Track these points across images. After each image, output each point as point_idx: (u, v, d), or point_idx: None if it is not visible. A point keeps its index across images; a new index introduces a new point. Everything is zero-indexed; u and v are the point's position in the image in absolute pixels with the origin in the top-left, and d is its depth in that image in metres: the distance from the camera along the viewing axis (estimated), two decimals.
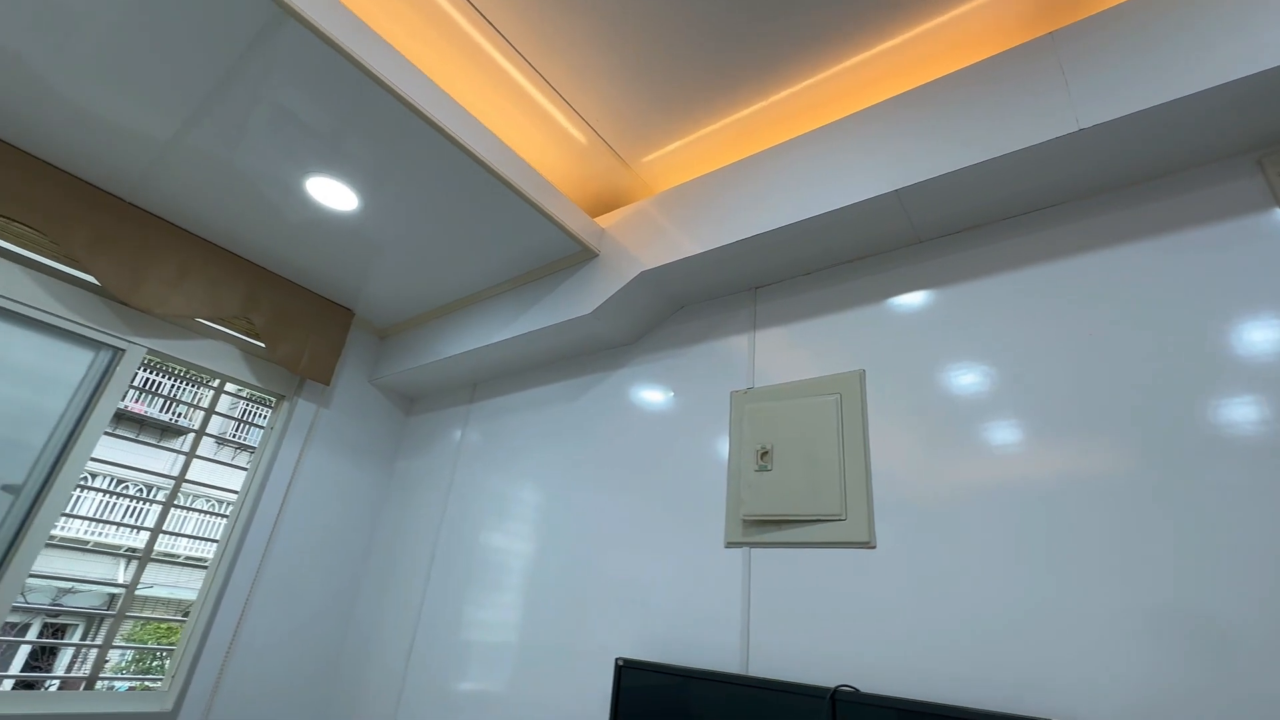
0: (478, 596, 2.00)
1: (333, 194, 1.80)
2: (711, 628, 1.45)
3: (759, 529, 1.47)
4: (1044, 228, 1.37)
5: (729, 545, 1.51)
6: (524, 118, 1.83)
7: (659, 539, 1.65)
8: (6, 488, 1.73)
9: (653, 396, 1.87)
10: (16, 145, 1.74)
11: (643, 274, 1.79)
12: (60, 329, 1.87)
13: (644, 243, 1.84)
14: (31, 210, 1.74)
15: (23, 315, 1.81)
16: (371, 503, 2.52)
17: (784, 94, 1.66)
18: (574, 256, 1.99)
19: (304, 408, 2.35)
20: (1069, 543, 1.10)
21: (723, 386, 1.72)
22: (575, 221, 1.88)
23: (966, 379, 1.33)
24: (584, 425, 2.01)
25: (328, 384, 2.39)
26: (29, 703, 1.70)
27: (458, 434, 2.44)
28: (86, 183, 1.86)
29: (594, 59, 1.62)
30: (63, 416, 1.86)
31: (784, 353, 1.64)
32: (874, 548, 1.30)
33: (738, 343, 1.75)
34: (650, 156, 1.92)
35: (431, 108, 1.50)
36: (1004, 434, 1.24)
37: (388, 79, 1.42)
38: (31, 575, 1.75)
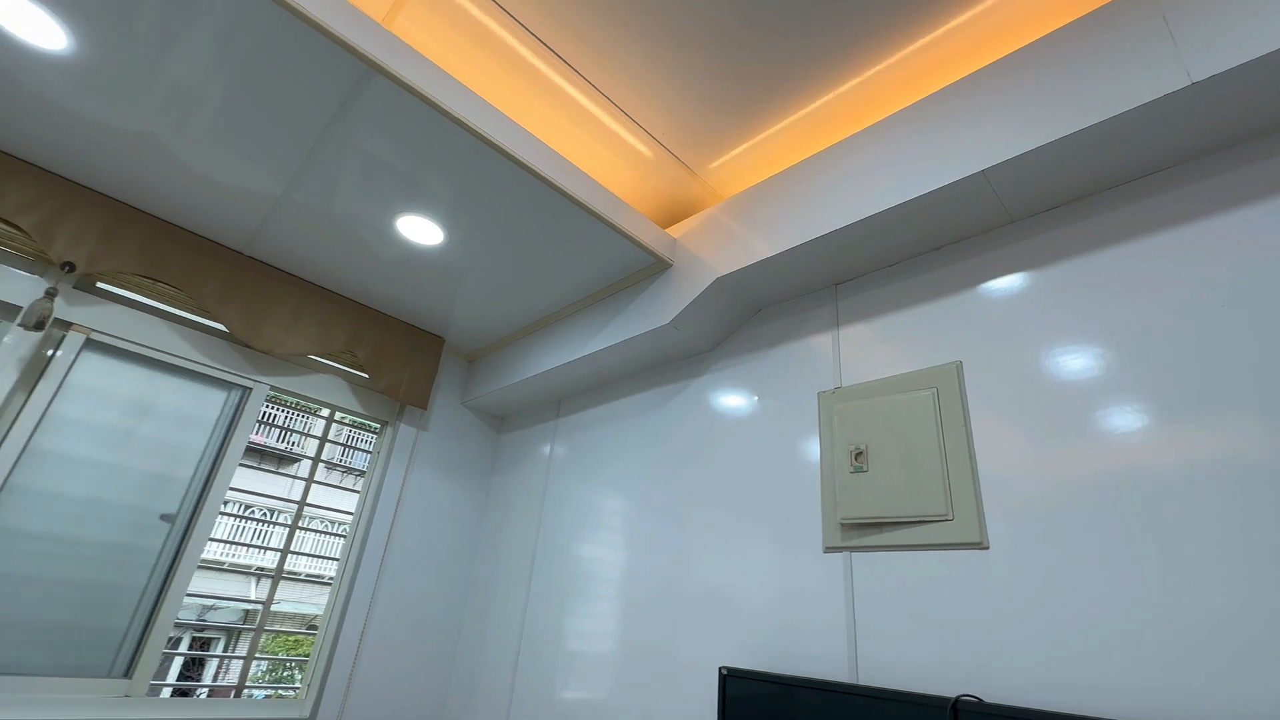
0: (577, 607, 2.05)
1: (420, 230, 1.92)
2: (815, 635, 1.42)
3: (858, 533, 1.42)
4: (1151, 194, 1.26)
5: (828, 550, 1.47)
6: (591, 138, 1.88)
7: (754, 545, 1.63)
8: (164, 517, 1.96)
9: (736, 401, 1.86)
10: (155, 214, 1.98)
11: (718, 280, 1.79)
12: (198, 373, 2.10)
13: (717, 249, 1.84)
14: (170, 270, 1.97)
15: (169, 364, 2.04)
16: (472, 518, 2.65)
17: (851, 84, 1.62)
18: (649, 269, 2.02)
19: (405, 432, 2.51)
20: (1202, 536, 1.00)
21: (808, 387, 1.69)
22: (647, 234, 1.91)
23: (1076, 363, 1.23)
24: (669, 433, 2.02)
25: (425, 408, 2.53)
26: (187, 709, 1.89)
27: (546, 449, 2.52)
28: (211, 240, 2.09)
29: (653, 74, 1.65)
30: (204, 451, 2.08)
31: (871, 349, 1.59)
32: (987, 548, 1.23)
33: (821, 342, 1.72)
34: (717, 162, 1.92)
35: (504, 139, 1.58)
36: (1121, 420, 1.14)
37: (464, 117, 1.50)
38: (187, 594, 1.96)
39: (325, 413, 2.42)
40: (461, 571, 2.56)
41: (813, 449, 1.60)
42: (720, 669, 1.43)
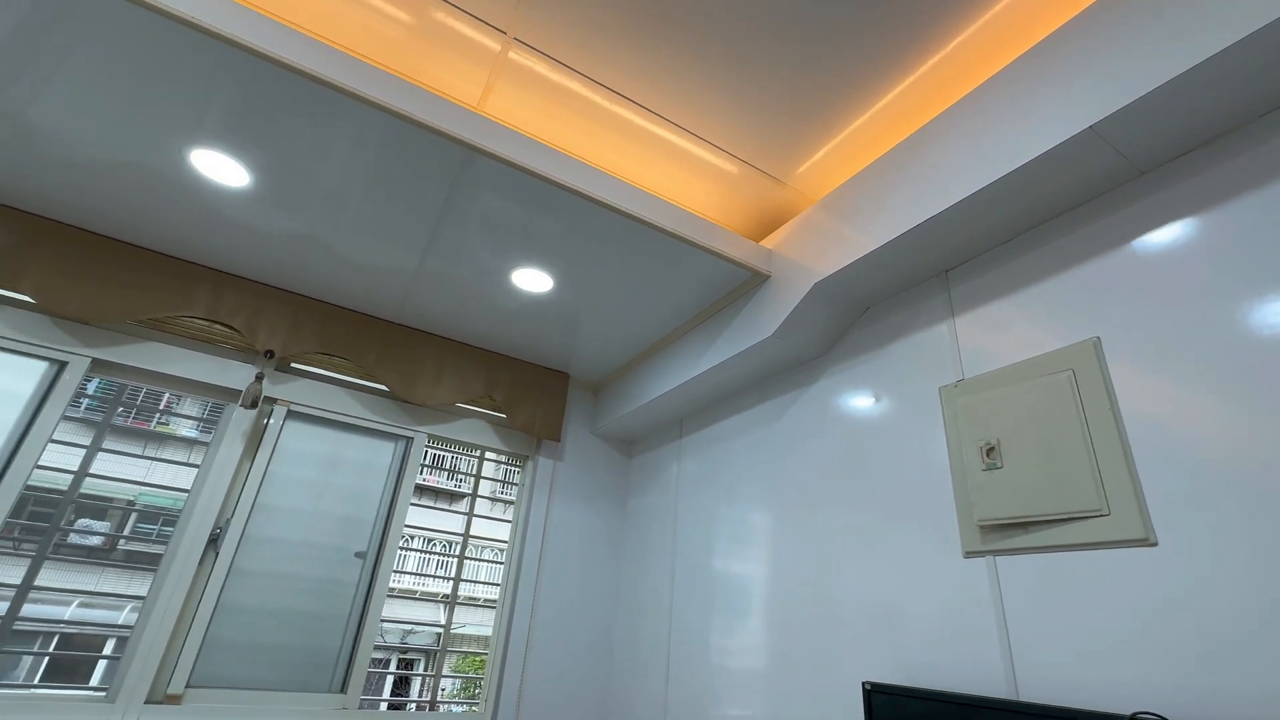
0: (720, 623, 2.07)
1: (533, 280, 2.11)
2: (964, 646, 1.32)
3: (1000, 534, 1.32)
4: None
5: (968, 555, 1.38)
6: (676, 167, 1.95)
7: (888, 552, 1.56)
8: (358, 554, 2.30)
9: (855, 405, 1.80)
10: (324, 300, 2.36)
11: (817, 285, 1.77)
12: (371, 429, 2.45)
13: (814, 252, 1.81)
14: (340, 345, 2.33)
15: (349, 423, 2.41)
16: (612, 540, 2.78)
17: (929, 64, 1.54)
18: (747, 283, 2.04)
19: (544, 465, 2.72)
20: None
21: (928, 383, 1.60)
22: (740, 250, 1.93)
23: (1249, 320, 1.06)
24: (790, 443, 2.00)
25: (558, 441, 2.73)
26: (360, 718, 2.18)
27: (674, 467, 2.59)
28: (368, 315, 2.44)
29: (722, 98, 1.69)
30: (383, 495, 2.41)
31: (992, 335, 1.47)
32: (1155, 544, 1.09)
33: (936, 334, 1.62)
34: (803, 167, 1.90)
35: (593, 188, 1.70)
36: None
37: (556, 177, 1.65)
38: (382, 620, 2.27)
39: (477, 452, 2.70)
40: (608, 591, 2.69)
41: (940, 448, 1.51)
42: (864, 684, 1.39)
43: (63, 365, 2.01)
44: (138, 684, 1.83)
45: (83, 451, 2.06)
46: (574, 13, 1.51)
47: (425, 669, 10.90)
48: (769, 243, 2.04)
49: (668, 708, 2.17)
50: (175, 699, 1.87)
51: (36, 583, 1.90)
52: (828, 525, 1.77)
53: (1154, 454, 1.13)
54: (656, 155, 1.92)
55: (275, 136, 1.59)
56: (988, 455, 1.36)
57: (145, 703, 1.82)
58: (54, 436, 1.96)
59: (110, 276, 2.02)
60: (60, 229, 1.99)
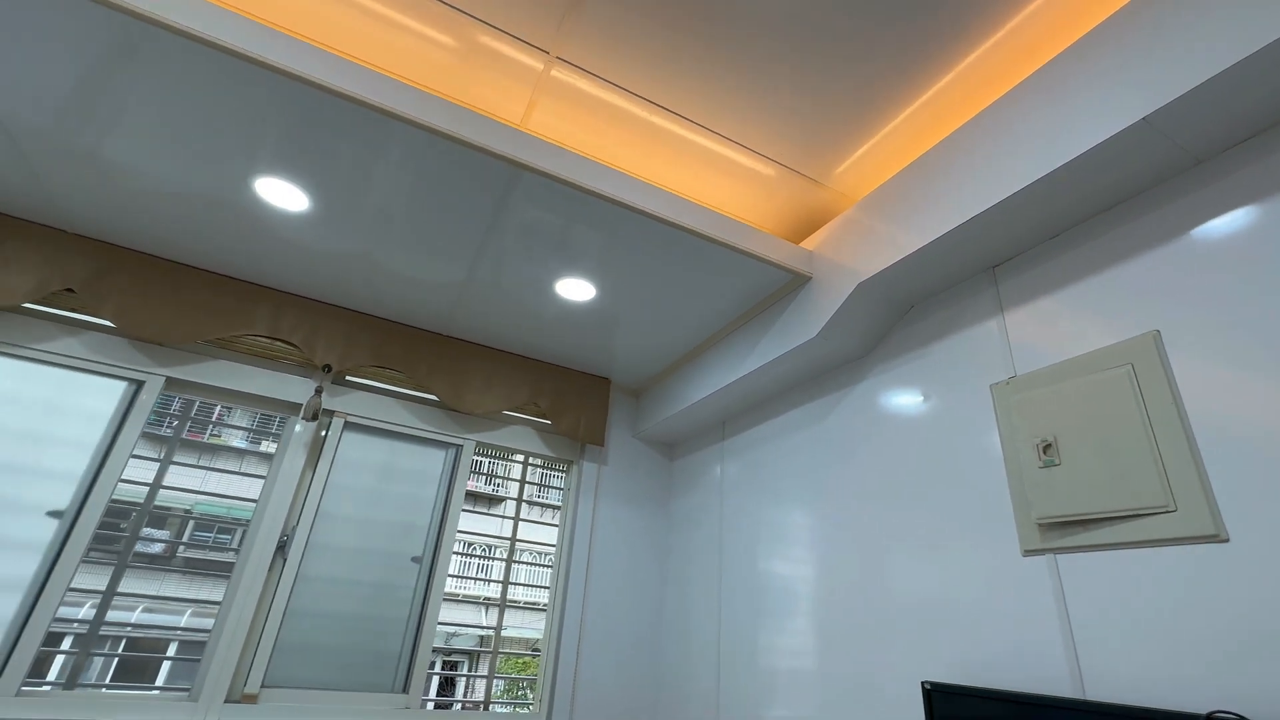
0: (770, 623, 2.08)
1: (576, 289, 2.15)
2: (1026, 646, 1.32)
3: (1060, 532, 1.30)
4: None
5: (1027, 553, 1.37)
6: (714, 173, 1.98)
7: (943, 551, 1.56)
8: (414, 559, 2.38)
9: (901, 404, 1.80)
10: (376, 315, 2.46)
11: (860, 285, 1.77)
12: (423, 438, 2.54)
13: (856, 252, 1.82)
14: (393, 358, 2.42)
15: (402, 433, 2.50)
16: (657, 542, 2.81)
17: (969, 60, 1.54)
18: (788, 285, 2.05)
19: (589, 469, 2.76)
20: None
21: (978, 380, 1.59)
22: (780, 253, 1.95)
23: None
24: (836, 443, 2.01)
25: (602, 445, 2.77)
26: (453, 719, 2.25)
27: (717, 469, 2.61)
28: (418, 328, 2.53)
29: (756, 103, 1.71)
30: (435, 502, 2.49)
31: (1044, 332, 1.46)
32: (1226, 540, 1.07)
33: (985, 331, 1.61)
34: (842, 167, 1.91)
35: (632, 197, 1.74)
36: None
37: (596, 189, 1.69)
38: (438, 623, 2.34)
39: (520, 458, 2.76)
40: (655, 592, 2.72)
41: (993, 446, 1.50)
42: (923, 684, 1.39)
43: (140, 384, 2.14)
44: (217, 684, 1.93)
45: (155, 465, 2.18)
46: (614, 31, 1.55)
47: (467, 670, 11.09)
48: (809, 244, 2.05)
49: (720, 708, 2.19)
50: (252, 698, 1.97)
51: (97, 587, 2.02)
52: (878, 525, 1.77)
53: (1222, 448, 1.11)
54: (696, 162, 1.94)
55: (331, 161, 1.67)
56: (1044, 452, 1.35)
57: (225, 702, 1.93)
58: (113, 446, 2.08)
59: (182, 300, 2.14)
60: (136, 257, 2.12)
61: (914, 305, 1.86)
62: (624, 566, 2.70)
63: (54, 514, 1.95)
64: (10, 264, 1.94)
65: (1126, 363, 1.27)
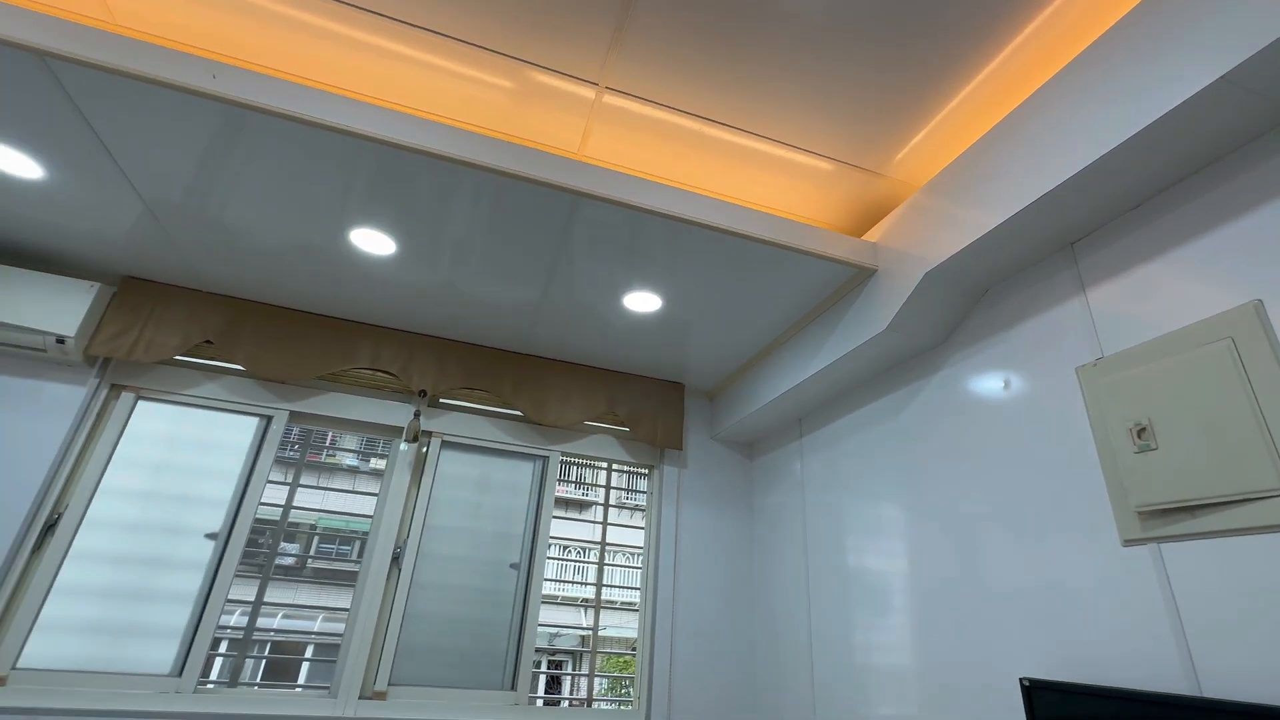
0: (862, 620, 2.06)
1: (643, 302, 2.23)
2: (1132, 640, 1.25)
3: (1162, 520, 1.24)
4: None
5: (1127, 543, 1.30)
6: (768, 175, 2.00)
7: (1038, 544, 1.50)
8: (512, 565, 2.54)
9: (983, 392, 1.74)
10: (463, 340, 2.65)
11: (928, 274, 1.73)
12: (513, 451, 2.70)
13: (923, 240, 1.78)
14: (480, 378, 2.60)
15: (493, 448, 2.68)
16: (742, 541, 2.84)
17: (1033, 26, 1.48)
18: (853, 280, 2.03)
19: (669, 472, 2.84)
20: None
21: (1063, 363, 1.52)
22: (842, 248, 1.94)
23: None
24: (917, 434, 1.97)
25: (680, 448, 2.84)
26: (562, 716, 2.38)
27: (797, 466, 2.61)
28: (500, 349, 2.70)
29: (806, 101, 1.71)
30: (528, 510, 2.65)
31: (1131, 308, 1.38)
32: None
33: (1067, 311, 1.54)
34: (900, 155, 1.88)
35: (690, 211, 1.79)
36: None
37: (654, 207, 1.76)
38: (539, 625, 2.49)
39: (604, 464, 2.87)
40: (742, 590, 2.75)
41: (1082, 431, 1.43)
42: (1021, 680, 1.36)
43: (269, 418, 2.43)
44: (352, 682, 2.16)
45: (285, 487, 2.46)
46: (657, 56, 1.61)
47: (571, 669, 11.46)
48: (872, 236, 2.02)
49: (815, 706, 2.19)
50: (381, 695, 2.18)
51: (246, 597, 2.30)
52: (968, 516, 1.72)
53: None
54: (752, 167, 1.97)
55: (411, 207, 1.84)
56: (1139, 436, 1.29)
57: (359, 698, 2.15)
58: (252, 474, 2.36)
59: (297, 343, 2.41)
60: (259, 308, 2.42)
61: (989, 289, 1.80)
62: (711, 565, 2.74)
63: (210, 536, 2.25)
64: (162, 324, 2.26)
65: (1226, 336, 1.19)
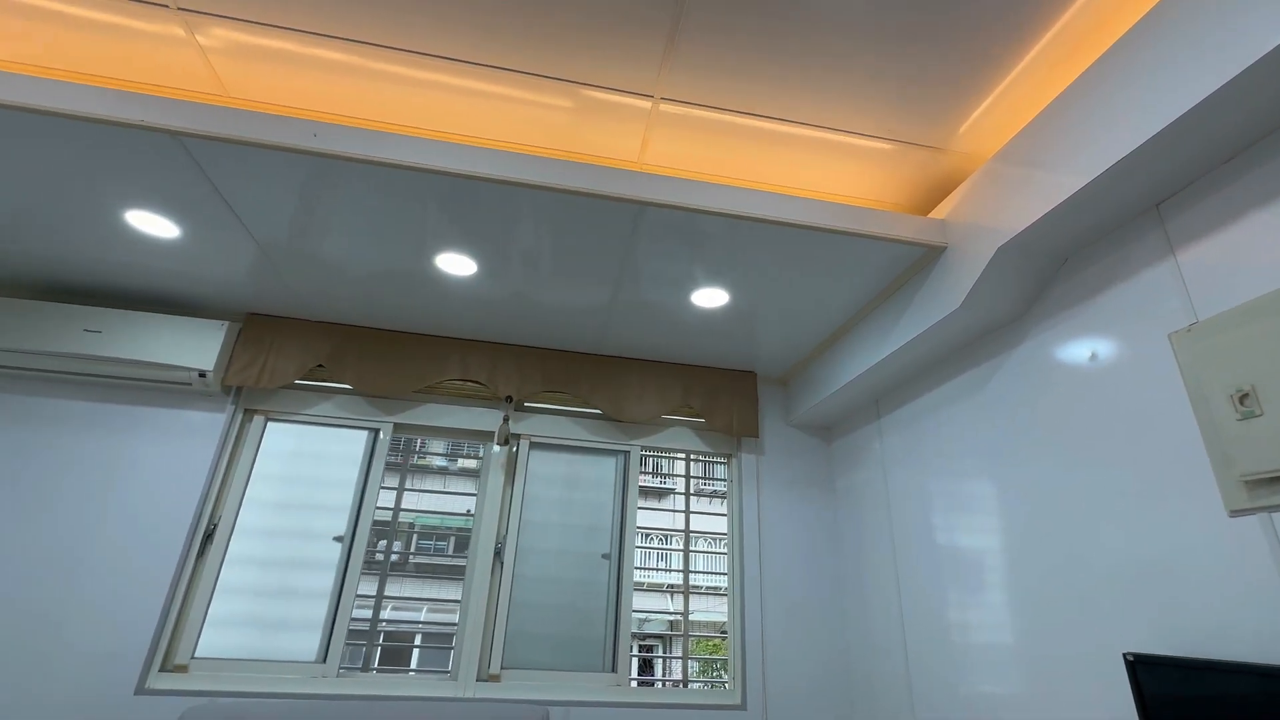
0: (956, 598, 2.06)
1: (711, 297, 2.30)
2: (1244, 613, 1.22)
3: (1270, 489, 1.19)
4: None
5: (1234, 513, 1.26)
6: (828, 160, 2.00)
7: (1138, 516, 1.46)
8: (604, 556, 2.69)
9: (1068, 363, 1.70)
10: (541, 347, 2.80)
11: (1001, 248, 1.70)
12: (595, 449, 2.84)
13: (994, 212, 1.74)
14: (559, 381, 2.75)
15: (577, 446, 2.82)
16: (825, 523, 2.86)
17: None
18: (923, 259, 2.01)
19: (748, 460, 2.89)
20: None
21: (1153, 330, 1.46)
22: (907, 229, 1.92)
23: None
24: (1002, 409, 1.93)
25: (757, 436, 2.88)
26: (661, 695, 2.51)
27: (877, 446, 2.60)
28: (576, 352, 2.83)
29: (859, 85, 1.71)
30: (614, 503, 2.78)
31: (1226, 269, 1.32)
32: None
33: (1156, 275, 1.48)
34: (963, 127, 1.84)
35: (754, 208, 1.84)
36: None
37: (715, 208, 1.82)
38: (633, 611, 2.63)
39: (682, 455, 2.96)
40: (828, 572, 2.78)
41: (1178, 399, 1.38)
42: (1125, 655, 1.34)
43: (377, 431, 2.67)
44: (469, 666, 2.37)
45: (393, 491, 2.70)
46: (708, 63, 1.66)
47: (663, 652, 11.71)
48: (939, 212, 1.99)
49: (912, 685, 2.21)
50: (496, 678, 2.39)
51: (363, 591, 2.55)
52: (1062, 490, 1.69)
53: None
54: (809, 155, 1.99)
55: (487, 229, 1.98)
56: (1241, 403, 1.24)
57: (477, 680, 2.36)
58: (367, 481, 2.61)
59: (396, 360, 2.63)
60: (361, 331, 2.66)
61: (1068, 258, 1.74)
62: (795, 548, 2.79)
63: (337, 539, 2.52)
64: (281, 354, 2.54)
65: None
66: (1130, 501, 1.48)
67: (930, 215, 2.03)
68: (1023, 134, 1.69)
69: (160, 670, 2.20)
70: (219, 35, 1.67)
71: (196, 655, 2.25)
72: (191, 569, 2.33)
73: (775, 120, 1.84)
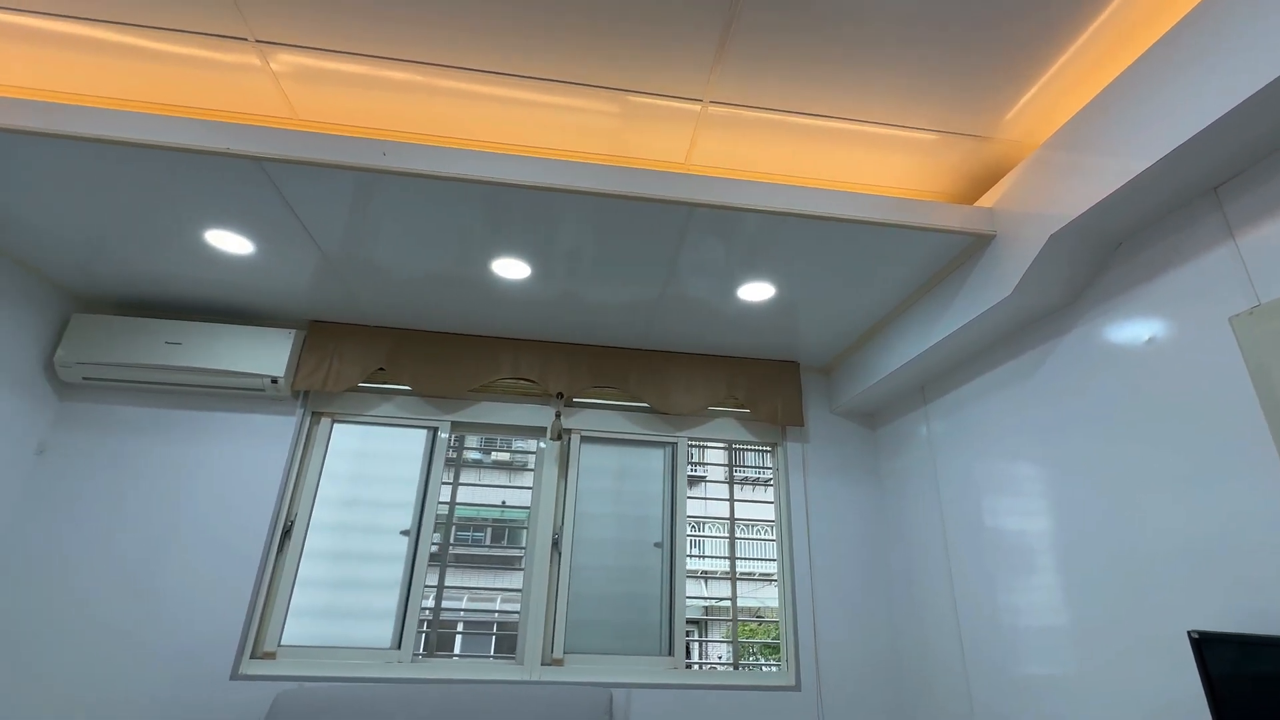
0: (1008, 581, 2.09)
1: (756, 291, 2.35)
2: None
3: None
4: None
5: None
6: (877, 154, 2.03)
7: (1196, 495, 1.48)
8: (656, 544, 2.77)
9: (1125, 348, 1.71)
10: (589, 343, 2.88)
11: (1054, 235, 1.71)
12: (643, 441, 2.92)
13: (1046, 199, 1.75)
14: (608, 376, 2.83)
15: (625, 439, 2.91)
16: (872, 508, 2.90)
17: None
18: (971, 247, 2.03)
19: (793, 449, 2.94)
20: None
21: (1214, 313, 1.47)
22: (954, 219, 1.94)
23: None
24: (1054, 394, 1.95)
25: (802, 425, 2.93)
26: (717, 677, 2.60)
27: (923, 431, 2.62)
28: (623, 347, 2.91)
29: (904, 80, 1.74)
30: (663, 493, 2.86)
31: None
32: None
33: (1215, 259, 1.48)
34: (1009, 115, 1.85)
35: (800, 204, 1.88)
36: None
37: (767, 206, 1.87)
38: (687, 597, 2.71)
39: (724, 444, 3.03)
40: (877, 554, 2.82)
41: (1237, 380, 1.40)
42: (1190, 633, 1.37)
43: (435, 430, 2.79)
44: (533, 651, 2.49)
45: (448, 486, 2.82)
46: (757, 67, 1.70)
47: (710, 637, 11.83)
48: (988, 200, 2.00)
49: (967, 670, 2.25)
50: (559, 662, 2.50)
51: (430, 582, 2.68)
52: (1117, 470, 1.71)
53: None
54: (856, 149, 2.01)
55: (541, 234, 2.06)
56: None
57: (541, 664, 2.48)
58: (429, 477, 2.73)
59: (452, 360, 2.75)
60: (418, 334, 2.78)
61: (1122, 243, 1.75)
62: (843, 533, 2.84)
63: (404, 532, 2.66)
64: (344, 358, 2.67)
65: None
66: (1191, 481, 1.50)
67: (977, 204, 2.04)
68: (1076, 119, 1.69)
69: (251, 657, 2.36)
70: (288, 60, 1.77)
71: (282, 643, 2.41)
72: (273, 563, 2.49)
73: (822, 118, 1.88)
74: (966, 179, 2.10)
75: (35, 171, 1.84)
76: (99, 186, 1.89)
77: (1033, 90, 1.76)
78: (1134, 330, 1.69)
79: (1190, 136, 1.36)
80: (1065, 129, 1.73)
